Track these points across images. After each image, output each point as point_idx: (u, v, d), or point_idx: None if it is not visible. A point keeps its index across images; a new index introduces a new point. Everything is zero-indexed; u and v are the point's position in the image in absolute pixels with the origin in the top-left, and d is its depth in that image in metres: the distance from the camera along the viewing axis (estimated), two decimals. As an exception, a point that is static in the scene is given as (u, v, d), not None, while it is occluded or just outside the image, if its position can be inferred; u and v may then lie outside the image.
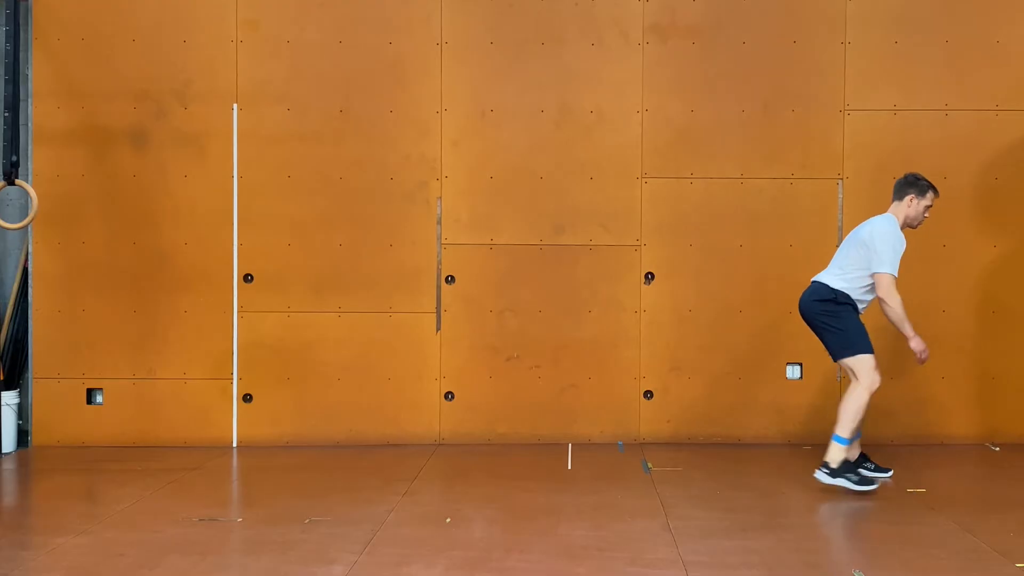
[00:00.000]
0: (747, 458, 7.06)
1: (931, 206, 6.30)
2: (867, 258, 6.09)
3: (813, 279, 6.35)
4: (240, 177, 7.51)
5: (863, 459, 6.44)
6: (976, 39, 7.50)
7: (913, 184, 6.27)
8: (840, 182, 7.53)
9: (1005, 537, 5.12)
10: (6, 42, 7.17)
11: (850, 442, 6.07)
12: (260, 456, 7.21)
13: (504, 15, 7.54)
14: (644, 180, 7.54)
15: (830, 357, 6.28)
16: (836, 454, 6.03)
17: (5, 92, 7.17)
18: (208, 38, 7.50)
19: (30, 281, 7.50)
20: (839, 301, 6.14)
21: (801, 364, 7.55)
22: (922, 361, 6.15)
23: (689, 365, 7.58)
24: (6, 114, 7.09)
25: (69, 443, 7.45)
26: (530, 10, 7.54)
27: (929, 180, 6.31)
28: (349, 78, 7.52)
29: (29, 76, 7.50)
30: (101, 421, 7.48)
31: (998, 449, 7.35)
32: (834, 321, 6.15)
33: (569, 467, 6.85)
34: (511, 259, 7.55)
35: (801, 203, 7.52)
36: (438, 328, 7.55)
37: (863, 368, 6.05)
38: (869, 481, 6.03)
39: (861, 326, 6.16)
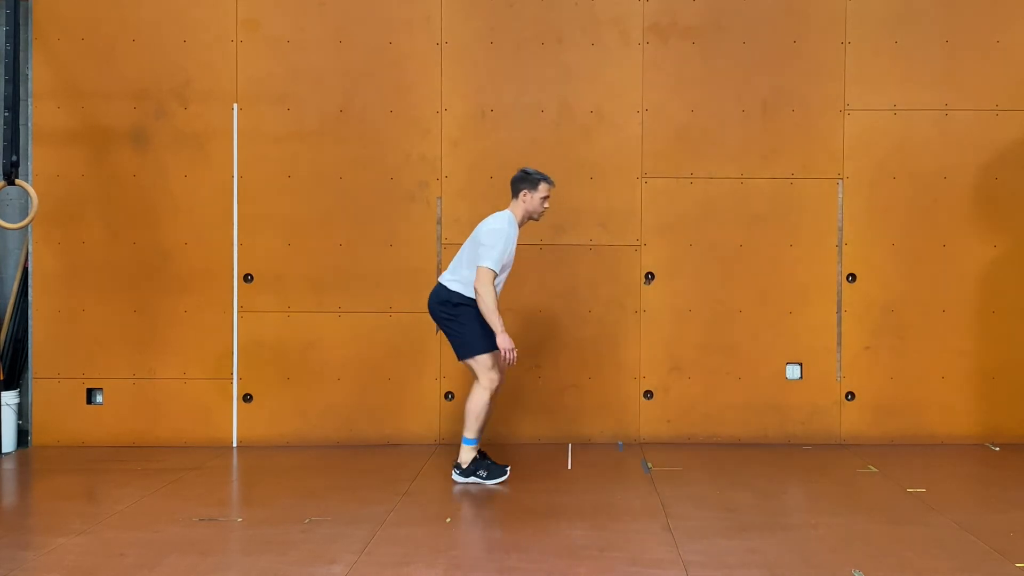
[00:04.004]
0: (747, 458, 7.06)
1: (548, 196, 6.33)
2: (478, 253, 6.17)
3: (439, 278, 6.46)
4: (240, 177, 7.51)
5: (481, 456, 6.55)
6: (976, 39, 7.50)
7: (524, 179, 6.31)
8: (840, 182, 7.53)
9: (1005, 537, 5.12)
10: (6, 42, 7.17)
11: (477, 441, 6.34)
12: (260, 456, 7.21)
13: (504, 15, 7.54)
14: (644, 180, 7.54)
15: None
16: (466, 455, 6.33)
17: (5, 92, 7.17)
18: (208, 38, 7.50)
19: (30, 281, 7.50)
20: (455, 303, 6.27)
21: (801, 364, 7.55)
22: (509, 362, 6.13)
23: (689, 365, 7.58)
24: (6, 114, 7.09)
25: (69, 443, 7.45)
26: (530, 10, 7.54)
27: (541, 172, 6.34)
28: (349, 78, 7.53)
29: (29, 76, 7.50)
30: (101, 421, 7.48)
31: (998, 449, 7.35)
32: (453, 324, 6.29)
33: (569, 467, 6.85)
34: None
35: (801, 203, 7.53)
36: (438, 328, 7.53)
37: (481, 368, 6.25)
38: (499, 472, 6.33)
39: (479, 327, 6.20)
